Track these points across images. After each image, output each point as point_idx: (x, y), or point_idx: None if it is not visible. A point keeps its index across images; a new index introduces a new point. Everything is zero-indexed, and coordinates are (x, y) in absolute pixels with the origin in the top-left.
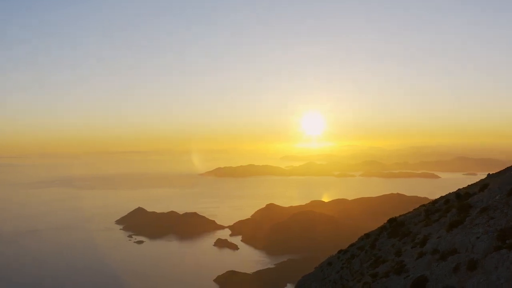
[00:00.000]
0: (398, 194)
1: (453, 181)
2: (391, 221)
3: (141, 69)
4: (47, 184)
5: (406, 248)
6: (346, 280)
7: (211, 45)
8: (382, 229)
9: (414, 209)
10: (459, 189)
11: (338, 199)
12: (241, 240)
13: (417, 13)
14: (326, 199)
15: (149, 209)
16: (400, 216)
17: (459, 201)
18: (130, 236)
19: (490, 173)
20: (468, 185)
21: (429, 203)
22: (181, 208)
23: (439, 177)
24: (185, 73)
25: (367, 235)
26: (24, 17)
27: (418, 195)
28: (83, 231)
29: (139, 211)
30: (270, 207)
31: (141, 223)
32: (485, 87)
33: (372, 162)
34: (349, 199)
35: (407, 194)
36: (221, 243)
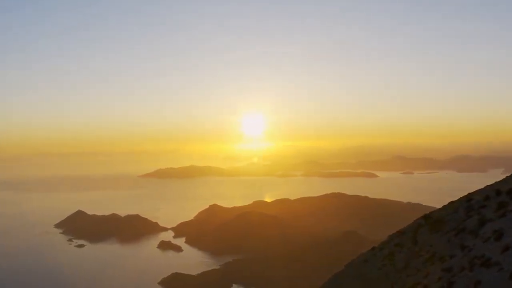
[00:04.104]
0: (339, 193)
1: (392, 180)
2: (427, 218)
3: (81, 70)
4: None
5: (474, 243)
6: (398, 277)
7: (152, 45)
8: (417, 226)
9: (443, 206)
10: (488, 186)
11: (281, 199)
12: (185, 242)
13: (358, 14)
14: (269, 199)
15: (90, 212)
16: (432, 213)
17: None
18: (70, 240)
19: None
20: (496, 182)
21: (459, 200)
22: (122, 210)
23: (378, 176)
24: (125, 74)
25: (401, 232)
26: None
27: (359, 194)
28: (20, 236)
29: (79, 214)
30: (214, 208)
31: (82, 227)
32: (422, 87)
33: (313, 162)
34: (292, 198)
35: (348, 193)
36: (164, 245)
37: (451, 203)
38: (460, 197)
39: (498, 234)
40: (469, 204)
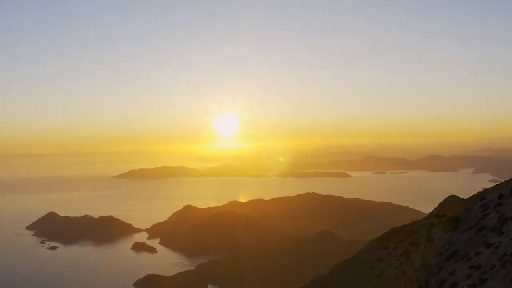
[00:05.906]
0: (313, 193)
1: (365, 180)
2: (440, 216)
3: (53, 70)
4: None
5: (500, 240)
6: (418, 276)
7: (125, 45)
8: (430, 224)
9: (449, 206)
10: (498, 184)
11: (255, 199)
12: (159, 243)
13: (333, 15)
14: (243, 199)
15: (62, 213)
16: (443, 211)
17: None
18: (42, 242)
19: None
20: (506, 180)
21: (470, 199)
22: (95, 211)
23: (351, 176)
24: (97, 75)
25: (413, 231)
26: None
27: (332, 194)
28: None
29: (51, 215)
30: (188, 208)
31: (54, 228)
32: (394, 88)
33: (287, 162)
34: (266, 199)
35: (322, 193)
36: (138, 247)
37: (463, 202)
38: (471, 196)
39: None
40: (483, 202)
